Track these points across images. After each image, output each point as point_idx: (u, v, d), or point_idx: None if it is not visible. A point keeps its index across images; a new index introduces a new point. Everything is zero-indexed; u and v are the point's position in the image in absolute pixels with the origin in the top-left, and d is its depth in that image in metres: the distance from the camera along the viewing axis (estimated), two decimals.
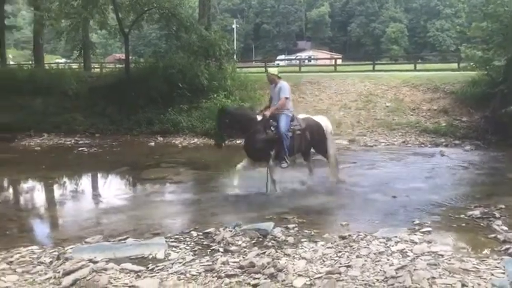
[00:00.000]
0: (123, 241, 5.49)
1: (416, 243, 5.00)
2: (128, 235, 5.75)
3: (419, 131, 14.61)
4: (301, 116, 8.36)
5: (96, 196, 8.46)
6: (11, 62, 34.19)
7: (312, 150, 8.51)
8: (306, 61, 41.03)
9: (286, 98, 7.74)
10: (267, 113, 7.73)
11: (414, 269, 4.08)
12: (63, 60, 49.79)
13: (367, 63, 29.94)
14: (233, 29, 65.49)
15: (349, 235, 5.37)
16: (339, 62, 31.47)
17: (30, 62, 26.92)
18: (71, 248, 5.15)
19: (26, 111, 17.06)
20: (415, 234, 5.38)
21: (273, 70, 8.37)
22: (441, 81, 17.24)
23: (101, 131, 16.24)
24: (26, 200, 8.42)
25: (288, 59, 49.22)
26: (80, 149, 13.63)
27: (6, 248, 5.40)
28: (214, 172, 10.20)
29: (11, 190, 9.42)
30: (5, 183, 10.05)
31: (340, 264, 4.40)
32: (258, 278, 4.13)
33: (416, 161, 11.13)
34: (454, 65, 22.32)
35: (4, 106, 17.12)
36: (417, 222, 6.04)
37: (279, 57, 54.01)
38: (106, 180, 10.25)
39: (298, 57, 43.65)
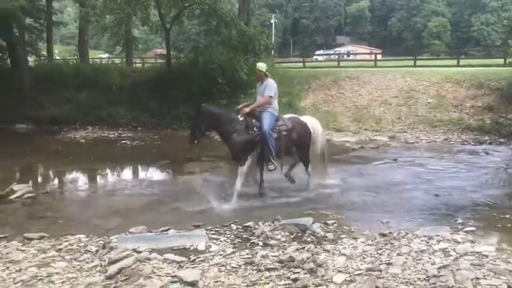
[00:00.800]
0: (165, 232, 5.64)
1: (459, 242, 4.90)
2: (170, 226, 5.89)
3: (462, 129, 14.21)
4: (287, 116, 7.87)
5: (138, 188, 8.68)
6: (57, 57, 35.42)
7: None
8: (345, 56, 40.53)
9: (270, 97, 7.27)
10: (247, 109, 7.25)
11: (457, 269, 4.01)
12: (106, 55, 51.20)
13: (408, 58, 29.31)
14: (271, 24, 65.36)
15: (390, 233, 5.32)
16: (379, 57, 30.91)
17: (76, 57, 27.77)
18: (116, 238, 5.34)
19: (71, 104, 17.71)
20: (458, 234, 5.27)
21: (261, 66, 7.68)
22: (486, 77, 16.67)
23: (143, 125, 16.64)
24: (72, 190, 8.74)
25: (326, 54, 48.79)
26: (123, 142, 14.03)
27: (55, 236, 5.66)
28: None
29: (58, 181, 9.78)
30: (53, 174, 10.47)
31: (381, 261, 4.38)
32: (298, 273, 4.16)
33: (458, 159, 10.84)
34: (500, 61, 21.57)
35: (51, 100, 17.84)
36: (460, 221, 5.91)
37: (317, 52, 53.63)
38: (148, 173, 10.50)
39: (336, 52, 43.13)
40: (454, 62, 24.19)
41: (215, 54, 17.16)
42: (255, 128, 7.22)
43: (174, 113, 16.57)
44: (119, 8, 16.23)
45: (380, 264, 4.26)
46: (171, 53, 19.74)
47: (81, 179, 9.91)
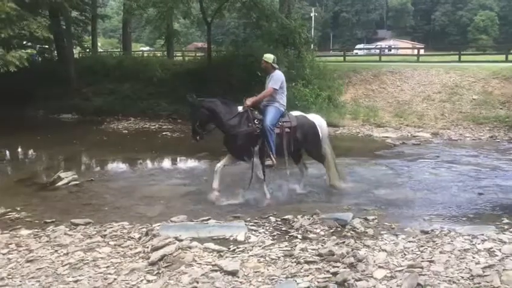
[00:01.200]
0: (205, 222, 5.75)
1: (505, 242, 4.73)
2: (210, 216, 5.99)
3: (509, 126, 13.70)
4: (294, 113, 7.44)
5: (179, 178, 8.83)
6: (100, 50, 36.37)
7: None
8: (386, 50, 39.74)
9: (275, 89, 6.89)
10: (249, 102, 6.90)
11: (503, 269, 3.89)
12: (147, 48, 52.15)
13: (452, 53, 28.36)
14: (311, 17, 64.78)
15: (432, 230, 5.20)
16: (422, 52, 30.13)
17: (119, 50, 28.41)
18: (158, 226, 5.46)
19: (114, 96, 18.19)
20: (504, 234, 5.08)
21: (267, 57, 7.19)
22: None
23: (183, 117, 16.87)
24: (115, 178, 8.98)
25: (367, 48, 48.02)
26: (164, 133, 14.31)
27: (99, 222, 5.87)
28: (290, 161, 10.22)
29: (102, 169, 10.07)
30: (97, 163, 10.80)
31: (422, 258, 4.30)
32: (338, 267, 4.14)
33: (505, 157, 10.47)
34: None
35: (95, 91, 18.38)
36: (506, 221, 5.72)
37: (357, 46, 52.82)
38: (188, 164, 10.66)
39: (378, 47, 42.38)
40: (502, 57, 23.26)
41: (255, 47, 17.18)
42: (255, 121, 6.86)
43: None
44: (162, 2, 16.48)
45: (422, 262, 4.18)
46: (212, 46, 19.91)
47: (124, 168, 10.18)
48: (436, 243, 4.74)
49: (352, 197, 7.08)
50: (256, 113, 6.96)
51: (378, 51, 33.21)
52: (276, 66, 7.16)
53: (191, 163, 10.68)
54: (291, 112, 7.38)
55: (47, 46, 22.47)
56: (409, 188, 7.73)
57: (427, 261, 4.23)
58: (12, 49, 14.25)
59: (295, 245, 4.79)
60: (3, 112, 16.98)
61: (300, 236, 5.14)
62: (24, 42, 19.48)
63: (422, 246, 4.68)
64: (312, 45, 19.34)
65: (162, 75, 18.37)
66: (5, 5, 12.94)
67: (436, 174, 8.69)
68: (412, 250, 4.58)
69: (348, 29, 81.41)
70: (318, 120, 7.60)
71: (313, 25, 59.46)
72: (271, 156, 6.84)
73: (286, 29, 16.52)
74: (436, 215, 6.11)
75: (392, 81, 17.82)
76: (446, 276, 3.88)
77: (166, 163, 10.82)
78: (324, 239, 5.01)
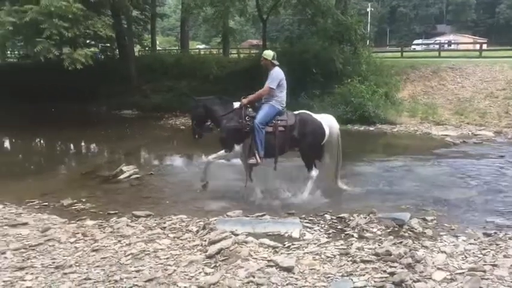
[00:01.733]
0: (260, 217, 5.82)
1: None
2: (265, 212, 6.06)
3: None
4: (296, 111, 7.14)
5: (236, 174, 8.92)
6: (158, 48, 37.41)
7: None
8: (446, 46, 38.26)
9: (271, 88, 6.76)
10: (245, 100, 6.83)
11: None
12: (203, 46, 53.02)
13: None
14: (367, 12, 63.41)
15: (495, 233, 5.02)
16: (484, 47, 28.74)
17: (176, 48, 29.07)
18: (215, 220, 5.59)
19: (172, 93, 18.69)
20: None
21: (266, 54, 6.98)
22: None
23: None
24: (175, 173, 9.25)
25: (425, 44, 46.40)
26: None
27: (159, 215, 6.09)
28: (345, 159, 10.10)
29: (162, 163, 10.40)
30: (157, 157, 11.17)
31: (485, 262, 4.16)
32: (395, 267, 4.09)
33: None
34: None
35: (154, 88, 18.98)
36: None
37: (415, 42, 51.13)
38: None
39: (437, 42, 40.88)
40: None
41: (310, 43, 17.10)
42: (246, 118, 6.77)
43: None
44: (219, 1, 16.73)
45: (484, 265, 4.05)
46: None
47: (181, 163, 10.47)
48: (500, 247, 4.57)
49: (410, 197, 6.92)
50: (250, 110, 6.87)
51: (437, 46, 32.06)
52: (276, 63, 6.97)
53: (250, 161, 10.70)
54: (294, 111, 7.13)
55: (109, 44, 23.39)
56: (470, 188, 7.45)
57: (490, 264, 4.09)
58: (78, 48, 15.01)
59: (351, 244, 4.76)
60: (69, 108, 17.98)
61: (356, 235, 5.11)
62: (88, 41, 20.41)
63: (484, 249, 4.53)
64: (368, 41, 18.99)
65: (218, 72, 18.65)
66: (71, 5, 13.66)
67: (501, 174, 8.30)
68: (474, 253, 4.44)
69: (405, 24, 78.98)
70: (328, 120, 7.17)
71: (369, 20, 58.20)
72: (256, 154, 6.71)
73: (342, 25, 16.32)
74: (500, 218, 5.85)
75: (452, 77, 17.15)
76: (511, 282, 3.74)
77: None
78: (380, 239, 4.96)
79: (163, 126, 15.75)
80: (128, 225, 5.59)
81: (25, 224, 5.67)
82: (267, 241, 4.87)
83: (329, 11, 16.69)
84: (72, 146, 12.78)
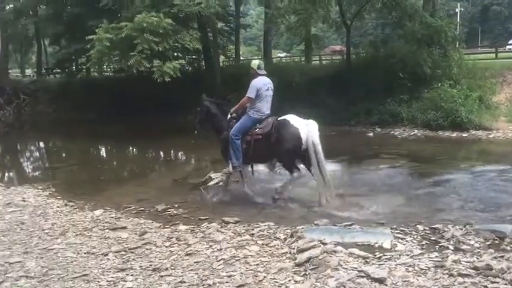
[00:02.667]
0: (348, 227, 5.72)
1: None
2: (353, 221, 5.95)
3: None
4: (273, 118, 7.14)
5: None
6: (241, 58, 38.26)
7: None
8: None
9: (249, 98, 7.00)
10: (233, 109, 7.28)
11: None
12: (284, 54, 53.43)
13: None
14: (456, 13, 60.23)
15: None
16: None
17: (259, 57, 29.55)
18: (302, 228, 5.57)
19: None
20: None
21: (253, 63, 7.35)
22: None
23: (320, 121, 16.95)
24: (259, 180, 9.21)
25: None
26: None
27: (248, 221, 6.21)
28: (437, 166, 9.69)
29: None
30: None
31: None
32: (497, 282, 3.82)
33: None
34: None
35: (239, 97, 19.30)
36: None
37: (510, 41, 47.69)
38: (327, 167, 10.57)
39: None
40: None
41: (396, 47, 16.61)
42: (230, 128, 7.18)
43: (352, 109, 16.55)
44: (303, 9, 16.78)
45: None
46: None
47: (266, 170, 10.56)
48: None
49: (511, 207, 6.44)
50: (234, 121, 7.23)
51: None
52: (262, 72, 7.17)
53: (331, 167, 10.57)
54: (274, 117, 7.19)
55: (195, 56, 24.35)
56: None
57: None
58: (167, 60, 15.81)
59: (447, 256, 4.52)
60: (158, 118, 18.92)
61: (451, 247, 4.85)
62: (176, 54, 21.37)
63: None
64: (459, 43, 18.04)
65: (300, 80, 18.67)
66: (162, 21, 14.46)
67: None
68: None
69: (499, 23, 73.81)
70: (307, 126, 6.92)
71: (458, 21, 55.26)
72: (230, 163, 7.12)
73: (431, 27, 15.64)
74: None
75: None
76: None
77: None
78: (479, 252, 4.65)
79: None
80: (218, 230, 5.75)
81: (124, 227, 6.05)
82: (356, 251, 4.76)
83: (416, 14, 16.10)
84: (163, 154, 13.43)
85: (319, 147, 6.82)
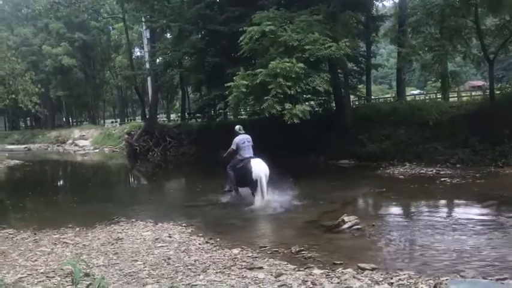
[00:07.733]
0: (502, 281, 5.14)
1: None
2: (506, 275, 5.34)
3: None
4: (253, 159, 11.16)
5: (464, 228, 8.18)
6: (372, 97, 37.62)
7: None
8: None
9: (232, 149, 11.46)
10: (225, 154, 11.89)
11: None
12: (417, 91, 51.31)
13: None
14: None
15: None
16: None
17: (389, 95, 28.76)
18: (447, 279, 5.14)
19: (389, 141, 18.41)
20: None
21: (236, 127, 11.81)
22: None
23: (462, 161, 15.80)
24: (396, 225, 8.92)
25: None
26: (442, 179, 13.56)
27: (384, 268, 5.93)
28: None
29: (382, 215, 10.25)
30: (377, 208, 11.13)
31: None
32: None
33: None
34: None
35: (370, 137, 19.01)
36: None
37: None
38: (473, 213, 9.67)
39: None
40: None
41: None
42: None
43: (498, 148, 15.15)
44: (439, 45, 16.08)
45: None
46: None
47: (402, 215, 10.10)
48: None
49: None
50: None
51: None
52: (241, 132, 11.58)
53: (477, 212, 9.67)
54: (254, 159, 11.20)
55: (326, 98, 24.51)
56: None
57: None
58: (297, 103, 16.19)
59: None
60: (289, 159, 19.17)
61: None
62: (306, 96, 21.75)
63: None
64: None
65: (438, 118, 17.69)
66: (295, 65, 14.96)
67: None
68: None
69: None
70: (257, 165, 10.96)
71: None
72: (227, 185, 11.99)
73: None
74: None
75: None
76: None
77: (448, 212, 10.24)
78: None
79: (380, 175, 15.51)
80: (354, 277, 5.56)
81: (260, 268, 6.17)
82: None
83: None
84: (299, 194, 13.47)
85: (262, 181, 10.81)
